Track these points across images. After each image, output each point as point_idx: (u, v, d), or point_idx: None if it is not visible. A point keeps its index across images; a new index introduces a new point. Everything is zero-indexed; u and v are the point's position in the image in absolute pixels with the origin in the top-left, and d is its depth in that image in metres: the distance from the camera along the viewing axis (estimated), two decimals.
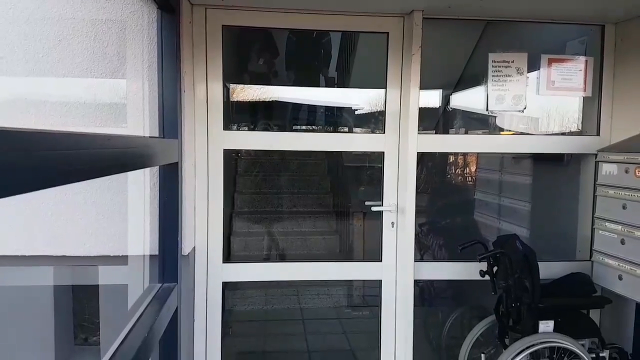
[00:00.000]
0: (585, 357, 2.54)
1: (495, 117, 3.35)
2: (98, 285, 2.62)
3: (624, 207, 2.54)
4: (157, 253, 2.37)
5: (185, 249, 2.56)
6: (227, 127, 2.85)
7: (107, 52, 2.36)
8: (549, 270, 2.86)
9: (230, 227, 4.69)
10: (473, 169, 4.49)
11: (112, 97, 2.48)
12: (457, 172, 4.71)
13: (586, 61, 3.04)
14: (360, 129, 5.15)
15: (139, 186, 2.50)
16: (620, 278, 2.57)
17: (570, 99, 3.18)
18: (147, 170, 2.46)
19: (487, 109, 2.94)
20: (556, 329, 2.58)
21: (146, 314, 1.95)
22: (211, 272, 2.87)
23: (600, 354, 2.65)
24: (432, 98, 4.46)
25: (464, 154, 4.48)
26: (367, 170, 4.86)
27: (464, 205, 4.27)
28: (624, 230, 2.53)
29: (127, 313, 2.16)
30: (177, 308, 2.32)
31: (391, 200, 2.96)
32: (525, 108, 2.95)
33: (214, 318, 2.89)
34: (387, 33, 2.85)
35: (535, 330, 2.57)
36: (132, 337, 1.74)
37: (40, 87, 2.40)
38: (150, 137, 2.28)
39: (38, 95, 2.41)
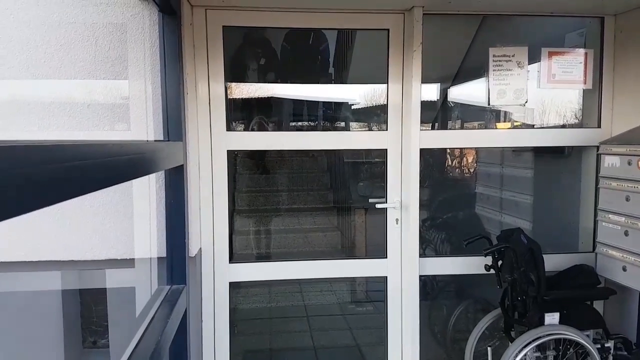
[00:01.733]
0: (591, 348, 2.56)
1: (494, 111, 3.36)
2: (106, 288, 2.62)
3: (627, 199, 2.56)
4: (163, 255, 2.38)
5: (192, 250, 2.56)
6: (229, 127, 2.85)
7: (109, 55, 2.36)
8: (552, 262, 2.89)
9: (231, 226, 4.68)
10: (474, 162, 4.50)
11: (116, 100, 2.48)
12: (457, 166, 4.72)
13: (586, 53, 3.05)
14: (361, 123, 5.14)
15: (144, 189, 2.50)
16: (624, 269, 2.59)
17: (571, 92, 3.20)
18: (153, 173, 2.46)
19: (488, 104, 2.95)
20: (561, 321, 2.60)
21: (157, 317, 1.96)
22: (218, 273, 2.88)
23: (605, 344, 2.68)
24: (430, 92, 4.46)
25: (463, 149, 4.48)
26: (365, 165, 4.85)
27: (465, 199, 4.29)
28: (628, 221, 2.55)
29: (138, 316, 2.16)
30: (186, 309, 2.33)
31: (395, 197, 2.97)
32: (526, 102, 2.96)
33: (221, 318, 2.90)
34: (388, 30, 2.85)
35: (541, 322, 2.59)
36: (145, 340, 1.75)
37: (43, 91, 2.39)
38: (156, 140, 2.28)
39: (40, 98, 2.40)
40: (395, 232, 3.01)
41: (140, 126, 2.43)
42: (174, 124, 2.32)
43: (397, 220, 3.00)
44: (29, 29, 2.23)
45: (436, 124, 4.25)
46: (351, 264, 3.15)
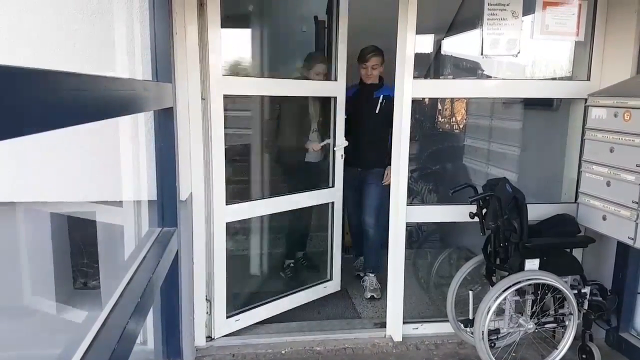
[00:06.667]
0: (568, 293, 2.67)
1: (485, 65, 3.34)
2: (95, 229, 2.63)
3: (611, 150, 2.60)
4: (154, 198, 2.38)
5: (183, 194, 2.57)
6: (225, 72, 2.81)
7: None
8: (536, 212, 2.94)
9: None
10: (462, 115, 4.51)
11: (102, 40, 2.40)
12: (446, 119, 4.73)
13: (580, 4, 3.01)
14: None
15: (133, 131, 2.47)
16: (604, 218, 2.67)
17: (563, 44, 3.18)
18: (141, 115, 2.42)
19: (481, 54, 2.93)
20: (541, 267, 2.69)
21: (149, 256, 1.99)
22: (214, 215, 2.90)
23: (582, 290, 2.79)
24: (423, 43, 4.41)
25: (453, 101, 4.48)
26: None
27: (453, 151, 4.33)
28: (610, 172, 2.61)
29: (129, 255, 2.19)
30: (177, 251, 2.37)
31: None
32: (519, 52, 2.95)
33: (219, 261, 2.95)
34: None
35: (521, 268, 2.68)
36: (137, 278, 1.78)
37: (26, 32, 2.31)
38: (145, 80, 2.24)
39: (24, 40, 2.32)
40: None
41: (128, 66, 2.37)
42: (162, 64, 2.26)
43: None
44: None
45: (427, 78, 4.23)
46: None
